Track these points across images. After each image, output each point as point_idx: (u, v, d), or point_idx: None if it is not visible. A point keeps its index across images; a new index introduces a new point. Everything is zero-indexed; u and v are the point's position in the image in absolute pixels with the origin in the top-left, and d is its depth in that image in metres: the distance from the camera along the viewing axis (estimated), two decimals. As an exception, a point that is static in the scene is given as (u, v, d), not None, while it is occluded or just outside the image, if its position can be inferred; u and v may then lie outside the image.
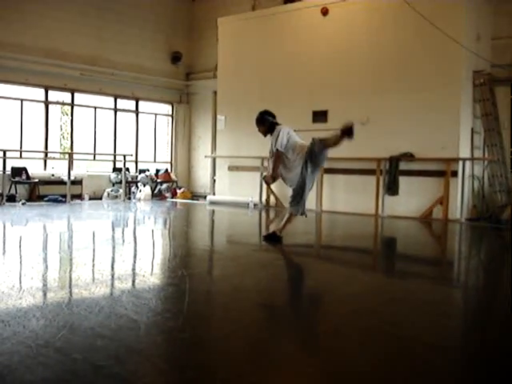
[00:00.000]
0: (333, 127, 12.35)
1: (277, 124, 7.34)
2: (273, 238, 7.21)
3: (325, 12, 12.72)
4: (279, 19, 13.62)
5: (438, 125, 11.15)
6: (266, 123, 7.38)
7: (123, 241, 8.16)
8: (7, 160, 13.19)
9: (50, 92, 14.85)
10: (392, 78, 11.79)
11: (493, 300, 4.93)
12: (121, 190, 14.81)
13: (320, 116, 12.75)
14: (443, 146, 11.04)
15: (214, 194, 15.18)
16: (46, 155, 14.94)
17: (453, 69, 11.15)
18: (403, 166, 11.52)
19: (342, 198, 12.48)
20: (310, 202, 12.61)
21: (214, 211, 13.12)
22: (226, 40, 14.63)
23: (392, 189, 11.58)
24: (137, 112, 17.01)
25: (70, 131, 15.57)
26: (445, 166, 11.06)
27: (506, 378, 2.90)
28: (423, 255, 7.47)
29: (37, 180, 13.83)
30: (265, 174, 7.60)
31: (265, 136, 7.49)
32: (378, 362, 3.09)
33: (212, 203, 14.27)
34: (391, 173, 11.57)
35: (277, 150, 7.01)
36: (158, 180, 16.31)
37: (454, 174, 11.00)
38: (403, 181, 11.50)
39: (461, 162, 11.00)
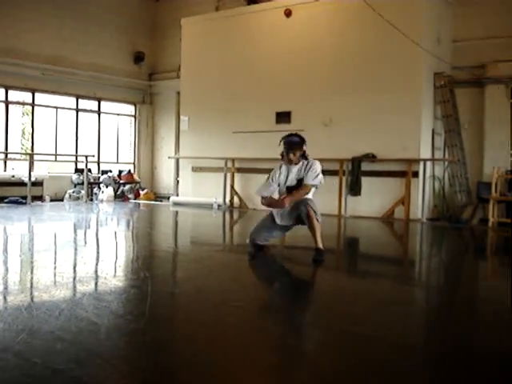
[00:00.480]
0: (296, 128, 12.52)
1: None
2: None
3: (288, 13, 12.78)
4: (243, 20, 13.63)
5: (399, 126, 11.30)
6: (302, 151, 6.35)
7: (85, 243, 8.07)
8: (-35, 161, 12.95)
9: (10, 92, 14.61)
10: (354, 80, 11.90)
11: (454, 299, 5.00)
12: (83, 192, 14.64)
13: (283, 117, 12.80)
14: (404, 146, 11.19)
15: (177, 195, 15.11)
16: (6, 156, 14.70)
17: (414, 71, 11.31)
18: (365, 166, 11.64)
19: (305, 199, 12.52)
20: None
21: (177, 212, 13.06)
22: (189, 40, 14.58)
23: (354, 189, 11.69)
24: (99, 112, 16.84)
25: (30, 131, 15.35)
26: (406, 167, 11.20)
27: (468, 377, 2.94)
28: (385, 255, 7.56)
29: (-4, 181, 13.59)
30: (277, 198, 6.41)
31: (291, 164, 6.36)
32: (339, 362, 3.11)
33: (176, 204, 14.20)
34: (354, 173, 11.68)
35: (314, 185, 6.32)
36: (121, 181, 16.15)
37: (415, 174, 11.16)
38: (365, 181, 11.61)
39: (422, 163, 11.17)
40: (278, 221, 6.45)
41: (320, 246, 6.17)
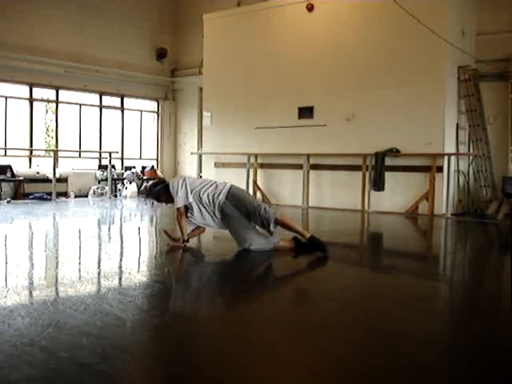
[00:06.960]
0: (319, 123, 12.50)
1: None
2: None
3: (310, 8, 12.71)
4: (265, 15, 13.59)
5: (423, 120, 11.20)
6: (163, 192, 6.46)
7: (109, 238, 8.12)
8: (-8, 158, 13.12)
9: (34, 89, 14.76)
10: (377, 74, 11.80)
11: (478, 294, 4.95)
12: (106, 188, 14.74)
13: (306, 112, 12.77)
14: (428, 141, 11.09)
15: (200, 190, 15.09)
16: (31, 153, 14.85)
17: (438, 64, 11.19)
18: (389, 161, 11.55)
19: (328, 194, 12.50)
20: (297, 197, 12.70)
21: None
22: (211, 36, 14.59)
23: (378, 184, 11.60)
24: (122, 109, 16.94)
25: (54, 128, 15.49)
26: (430, 162, 11.10)
27: (491, 372, 2.91)
28: (409, 250, 7.49)
29: (22, 178, 13.73)
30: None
31: (166, 203, 6.74)
32: (364, 357, 3.08)
33: (198, 200, 14.17)
34: (377, 168, 11.59)
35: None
36: (144, 177, 16.24)
37: (440, 169, 11.06)
38: (389, 176, 11.52)
39: (446, 158, 11.05)
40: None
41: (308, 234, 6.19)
